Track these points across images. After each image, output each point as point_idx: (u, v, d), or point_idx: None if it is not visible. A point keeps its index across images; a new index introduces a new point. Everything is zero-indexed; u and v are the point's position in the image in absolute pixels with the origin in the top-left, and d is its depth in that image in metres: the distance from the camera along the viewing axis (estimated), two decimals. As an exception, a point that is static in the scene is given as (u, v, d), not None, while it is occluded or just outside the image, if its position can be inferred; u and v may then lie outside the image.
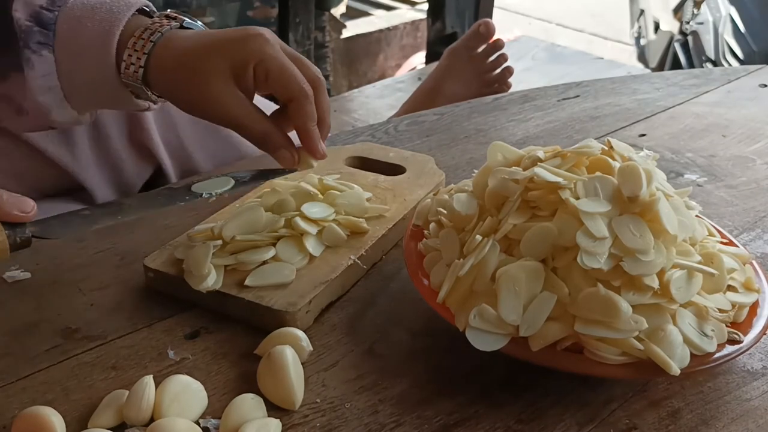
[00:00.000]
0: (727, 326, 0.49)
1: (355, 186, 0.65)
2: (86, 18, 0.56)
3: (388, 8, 3.13)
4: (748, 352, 0.49)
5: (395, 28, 2.88)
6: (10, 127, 0.67)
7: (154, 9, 0.59)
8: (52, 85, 0.57)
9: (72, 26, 0.56)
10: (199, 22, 0.61)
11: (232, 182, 0.57)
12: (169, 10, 0.60)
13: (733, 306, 0.50)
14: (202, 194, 0.56)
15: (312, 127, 0.56)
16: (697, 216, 0.55)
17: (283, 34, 1.98)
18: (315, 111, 0.57)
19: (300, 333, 0.51)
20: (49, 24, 0.56)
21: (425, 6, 2.60)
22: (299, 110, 0.56)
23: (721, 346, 0.47)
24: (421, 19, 2.88)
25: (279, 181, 0.63)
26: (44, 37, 0.56)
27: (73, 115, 0.60)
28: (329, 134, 0.62)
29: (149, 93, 0.58)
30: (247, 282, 0.54)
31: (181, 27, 0.58)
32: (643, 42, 2.92)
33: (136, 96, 0.59)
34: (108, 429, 0.44)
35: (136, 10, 0.57)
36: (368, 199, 0.66)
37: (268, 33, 0.56)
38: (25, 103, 0.58)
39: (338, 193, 0.63)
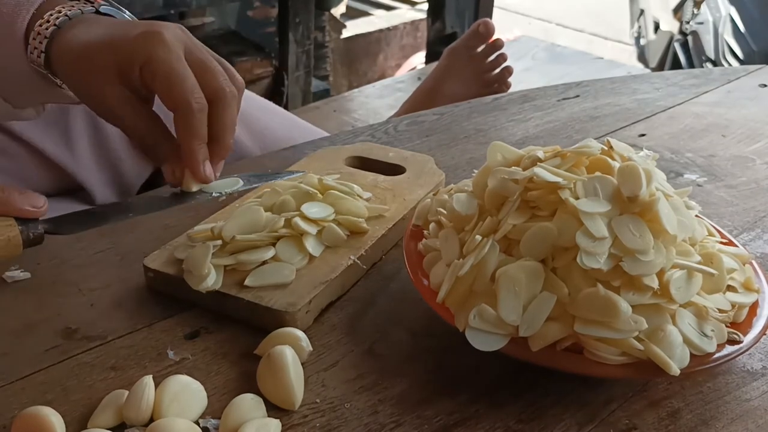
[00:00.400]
0: (726, 326, 0.49)
1: (355, 186, 0.65)
2: (3, 4, 0.54)
3: (388, 8, 3.13)
4: (747, 352, 0.49)
5: (395, 28, 2.88)
6: None
7: None
8: None
9: None
10: (126, 12, 0.58)
11: (241, 182, 0.58)
12: None
13: (733, 306, 0.50)
14: (212, 193, 0.56)
15: (195, 145, 0.51)
16: (696, 216, 0.55)
17: (282, 34, 1.99)
18: (202, 127, 0.51)
19: (300, 333, 0.51)
20: None
21: (425, 6, 2.60)
22: (180, 124, 0.51)
23: (720, 347, 0.47)
24: (420, 19, 2.88)
25: (279, 182, 0.63)
26: None
27: (7, 108, 0.57)
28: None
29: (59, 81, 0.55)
30: (246, 282, 0.54)
31: (98, 12, 0.55)
32: (642, 42, 2.92)
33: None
34: (107, 429, 0.44)
35: None
36: (368, 199, 0.66)
37: (170, 31, 0.51)
38: None
39: (338, 193, 0.63)
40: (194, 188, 0.55)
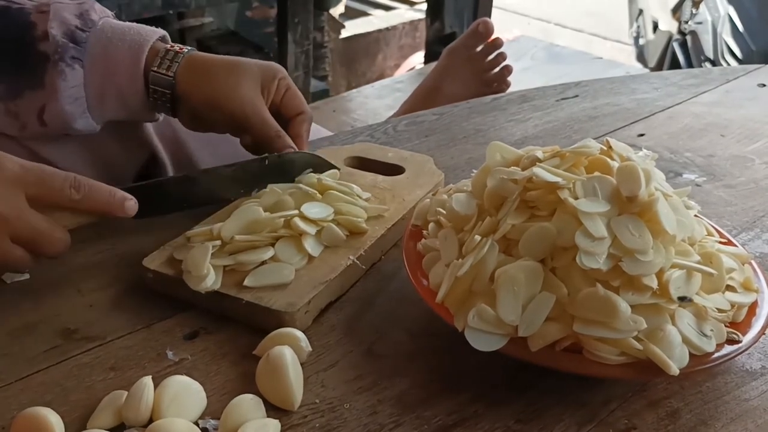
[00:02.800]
0: (725, 326, 0.49)
1: (354, 186, 0.65)
2: (117, 39, 0.65)
3: (387, 8, 3.13)
4: (746, 352, 0.49)
5: (394, 28, 2.88)
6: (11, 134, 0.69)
7: (168, 37, 0.69)
8: (79, 96, 0.64)
9: (104, 45, 0.64)
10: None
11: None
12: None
13: (732, 306, 0.50)
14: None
15: (305, 138, 0.69)
16: (695, 216, 0.55)
17: (281, 35, 1.98)
18: None
19: (299, 333, 0.51)
20: (81, 42, 0.63)
21: (424, 6, 2.60)
22: (305, 121, 0.70)
23: (719, 346, 0.47)
24: (419, 19, 2.88)
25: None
26: (78, 52, 0.63)
27: (92, 124, 0.66)
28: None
29: (169, 95, 0.66)
30: (246, 282, 0.54)
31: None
32: (641, 42, 2.92)
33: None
34: (107, 430, 0.44)
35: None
36: (367, 200, 0.66)
37: None
38: (41, 114, 0.64)
39: (337, 194, 0.63)
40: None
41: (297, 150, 0.66)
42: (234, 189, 0.64)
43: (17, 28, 0.64)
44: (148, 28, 0.67)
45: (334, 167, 0.67)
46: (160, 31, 0.68)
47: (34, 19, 0.63)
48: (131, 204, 0.57)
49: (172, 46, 0.66)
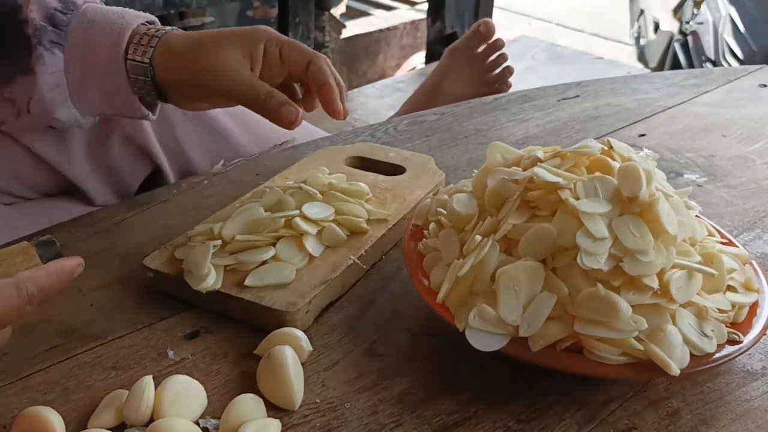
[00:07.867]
0: (726, 326, 0.49)
1: (362, 184, 0.65)
2: (98, 22, 0.61)
3: (388, 8, 3.13)
4: (747, 352, 0.49)
5: (395, 28, 2.88)
6: (9, 130, 0.68)
7: (157, 22, 0.64)
8: (59, 83, 0.60)
9: (84, 28, 0.60)
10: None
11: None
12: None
13: (733, 306, 0.50)
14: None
15: (333, 82, 0.61)
16: (696, 216, 0.55)
17: (282, 34, 1.98)
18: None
19: (300, 333, 0.51)
20: (61, 25, 0.60)
21: (425, 6, 2.60)
22: (320, 68, 0.61)
23: (720, 347, 0.47)
24: (420, 19, 2.88)
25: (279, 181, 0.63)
26: (57, 36, 0.60)
27: (75, 115, 0.63)
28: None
29: (150, 83, 0.61)
30: (246, 282, 0.54)
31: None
32: (642, 42, 2.92)
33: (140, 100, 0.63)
34: (108, 429, 0.44)
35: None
36: (368, 199, 0.66)
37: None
38: (29, 101, 0.61)
39: (339, 194, 0.63)
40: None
41: (297, 108, 0.60)
42: None
43: (4, 10, 0.61)
44: (134, 12, 0.63)
45: None
46: (147, 16, 0.63)
47: (21, 2, 0.60)
48: (80, 269, 0.46)
49: (148, 29, 0.62)
